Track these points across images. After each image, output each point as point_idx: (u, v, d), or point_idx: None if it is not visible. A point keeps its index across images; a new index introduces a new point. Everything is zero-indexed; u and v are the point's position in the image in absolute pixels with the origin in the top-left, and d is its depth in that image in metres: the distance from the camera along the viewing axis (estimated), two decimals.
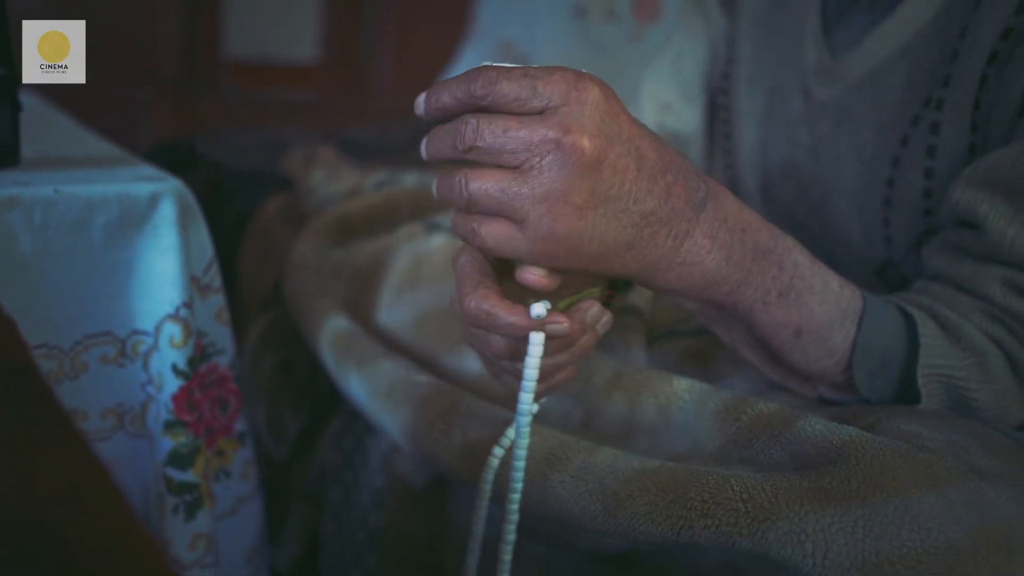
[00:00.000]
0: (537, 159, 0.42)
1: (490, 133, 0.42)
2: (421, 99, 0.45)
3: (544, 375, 0.48)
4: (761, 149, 0.74)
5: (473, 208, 0.44)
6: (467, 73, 0.43)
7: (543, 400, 0.53)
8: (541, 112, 0.42)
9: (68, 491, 0.29)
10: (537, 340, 0.45)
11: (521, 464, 0.49)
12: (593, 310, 0.47)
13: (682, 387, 0.56)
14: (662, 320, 0.72)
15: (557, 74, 0.42)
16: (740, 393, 0.56)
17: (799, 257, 0.52)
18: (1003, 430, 0.54)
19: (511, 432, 0.54)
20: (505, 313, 0.45)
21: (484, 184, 0.43)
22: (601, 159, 0.42)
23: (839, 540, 0.43)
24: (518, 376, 0.48)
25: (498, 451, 0.54)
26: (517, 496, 0.50)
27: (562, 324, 0.45)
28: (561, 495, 0.51)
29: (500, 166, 0.43)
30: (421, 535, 0.69)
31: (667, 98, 0.82)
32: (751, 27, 0.75)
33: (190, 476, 0.63)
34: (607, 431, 0.58)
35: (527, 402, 0.47)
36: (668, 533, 0.47)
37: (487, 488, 0.54)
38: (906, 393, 0.55)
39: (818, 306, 0.53)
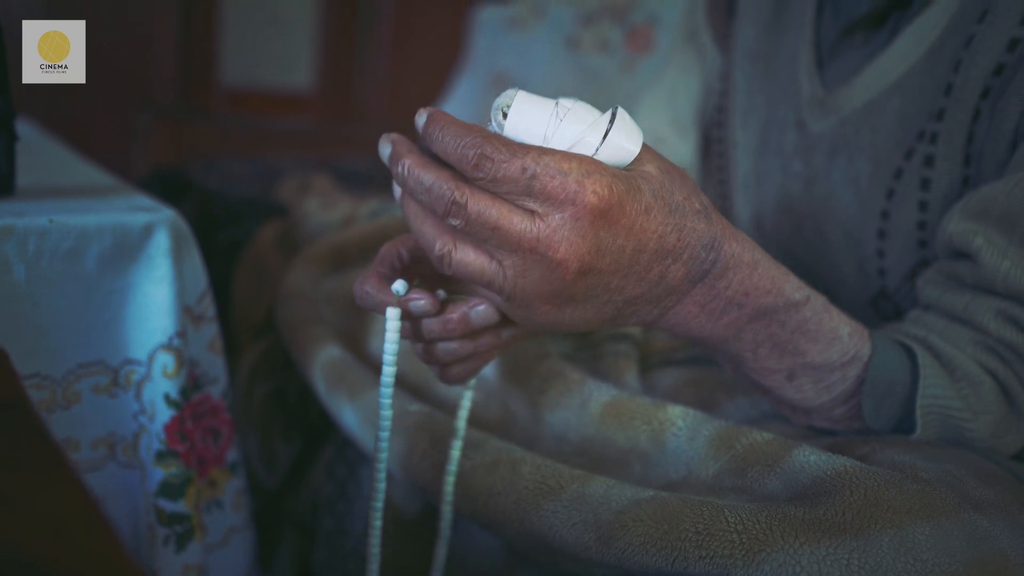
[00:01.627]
0: (521, 263, 0.41)
1: (479, 224, 0.40)
2: (423, 119, 0.41)
3: (443, 361, 0.50)
4: (755, 180, 0.74)
5: (452, 273, 0.43)
6: (469, 137, 0.40)
7: (470, 392, 0.56)
8: (532, 212, 0.40)
9: (57, 526, 0.29)
10: (392, 315, 0.47)
11: (385, 441, 0.51)
12: (480, 309, 0.47)
13: (676, 414, 0.56)
14: (656, 349, 0.72)
15: (557, 180, 0.39)
16: (734, 422, 0.56)
17: (807, 313, 0.51)
18: (997, 460, 0.54)
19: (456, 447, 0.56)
20: (375, 292, 0.47)
21: (467, 259, 0.42)
22: (586, 271, 0.41)
23: (834, 572, 0.43)
24: (439, 362, 0.50)
25: (454, 455, 0.55)
26: (382, 479, 0.52)
27: (419, 301, 0.46)
28: (554, 524, 0.50)
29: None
30: (414, 564, 0.69)
31: (661, 132, 0.82)
32: (745, 61, 0.76)
33: (181, 507, 0.63)
34: (601, 458, 0.58)
35: (389, 375, 0.49)
36: (662, 564, 0.47)
37: (448, 510, 0.55)
38: (904, 424, 0.56)
39: (818, 355, 0.52)
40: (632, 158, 0.43)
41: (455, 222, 0.40)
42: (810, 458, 0.50)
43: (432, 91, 1.81)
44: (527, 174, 0.39)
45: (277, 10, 2.13)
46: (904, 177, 0.61)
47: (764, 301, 0.49)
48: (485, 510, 0.54)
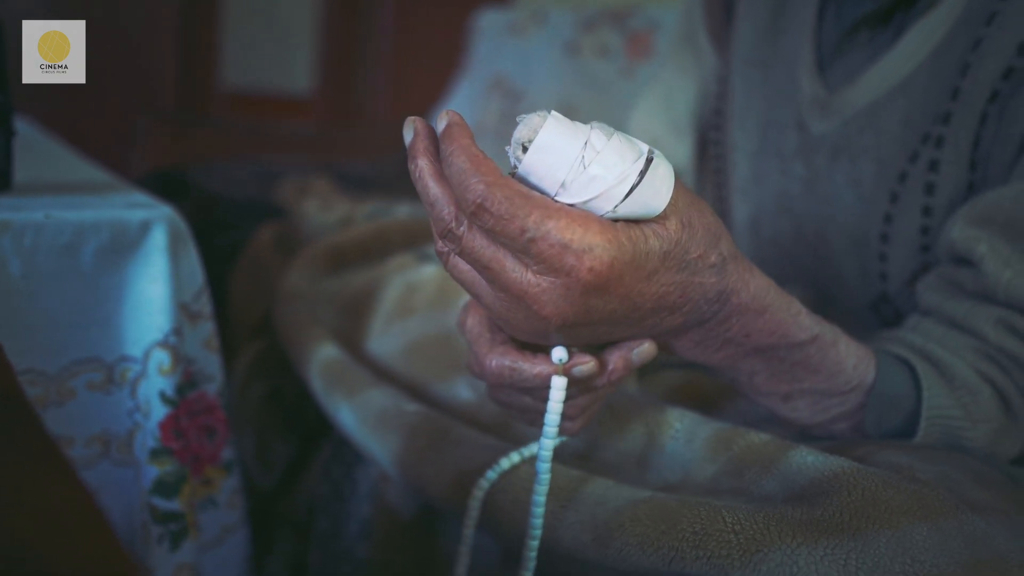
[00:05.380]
0: (507, 300, 0.40)
1: (470, 258, 0.39)
2: (442, 124, 0.39)
3: (571, 415, 0.49)
4: (754, 182, 0.74)
5: (448, 272, 0.43)
6: (473, 179, 0.37)
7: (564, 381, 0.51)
8: (526, 263, 0.39)
9: (53, 518, 0.29)
10: (559, 384, 0.44)
11: (540, 511, 0.48)
12: (640, 349, 0.46)
13: (673, 416, 0.56)
14: None
15: (556, 250, 0.37)
16: (732, 424, 0.56)
17: (811, 350, 0.50)
18: (993, 463, 0.54)
19: (504, 461, 0.54)
20: (529, 365, 0.45)
21: (462, 267, 0.42)
22: (571, 325, 0.41)
23: (832, 573, 0.43)
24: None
25: (490, 475, 0.53)
26: (535, 543, 0.49)
27: (588, 364, 0.45)
28: (551, 524, 0.50)
29: None
30: (409, 566, 0.68)
31: (656, 133, 0.82)
32: (743, 63, 0.76)
33: (175, 505, 0.63)
34: (598, 460, 0.58)
35: (548, 448, 0.46)
36: (659, 564, 0.46)
37: (474, 515, 0.54)
38: (904, 432, 0.55)
39: (818, 383, 0.52)
40: (655, 214, 0.40)
41: (448, 247, 0.40)
42: (807, 459, 0.49)
43: (432, 95, 1.81)
44: (525, 237, 0.37)
45: (277, 13, 2.13)
46: (908, 181, 0.61)
47: (765, 342, 0.49)
48: (482, 510, 0.54)
